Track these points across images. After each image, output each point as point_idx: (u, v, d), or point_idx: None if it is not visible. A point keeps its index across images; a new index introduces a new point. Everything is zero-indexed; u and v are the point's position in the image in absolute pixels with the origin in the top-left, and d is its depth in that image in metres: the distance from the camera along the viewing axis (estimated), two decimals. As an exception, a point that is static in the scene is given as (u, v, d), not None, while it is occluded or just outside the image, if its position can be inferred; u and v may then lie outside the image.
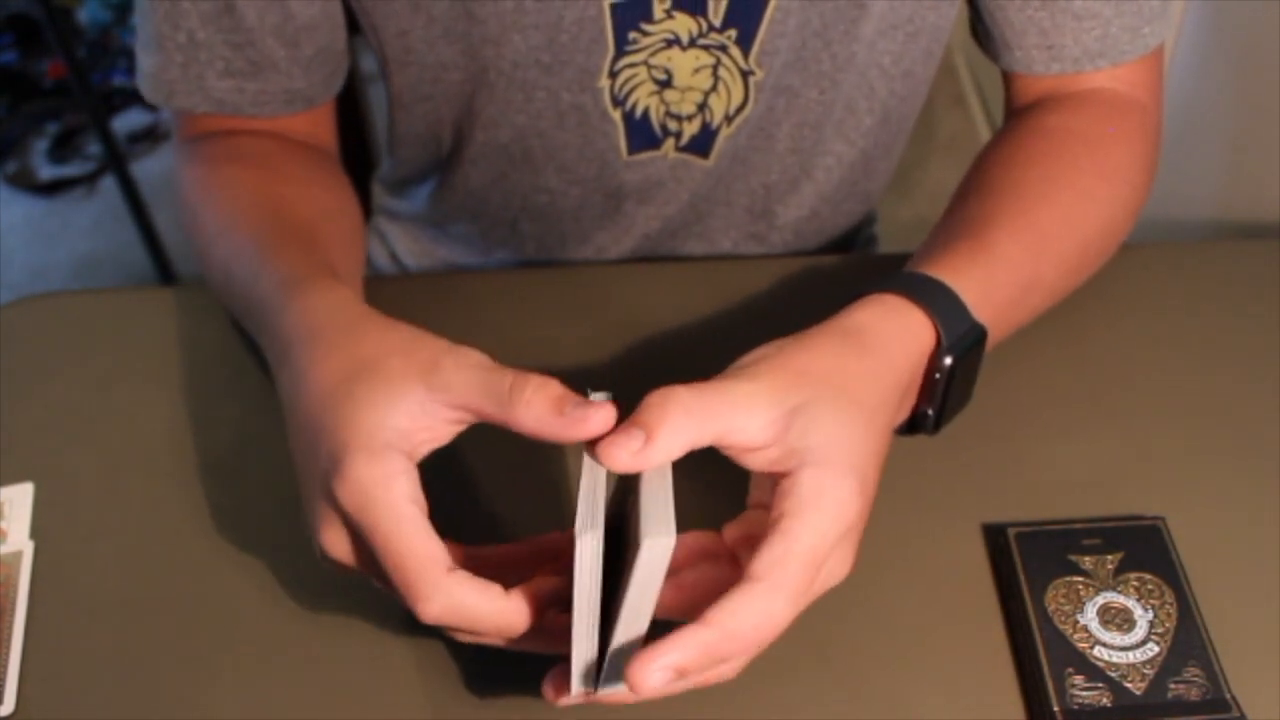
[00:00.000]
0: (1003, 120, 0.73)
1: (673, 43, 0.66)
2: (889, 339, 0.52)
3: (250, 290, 0.58)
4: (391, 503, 0.44)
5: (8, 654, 0.55)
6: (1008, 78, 0.72)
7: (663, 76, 0.68)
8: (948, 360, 0.53)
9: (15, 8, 2.34)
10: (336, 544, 0.47)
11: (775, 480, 0.46)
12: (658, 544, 0.41)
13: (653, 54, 0.67)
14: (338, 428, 0.46)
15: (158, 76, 0.67)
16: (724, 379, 0.47)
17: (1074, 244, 0.63)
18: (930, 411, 0.55)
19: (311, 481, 0.48)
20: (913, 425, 0.56)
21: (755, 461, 0.46)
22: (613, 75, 0.68)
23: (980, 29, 0.70)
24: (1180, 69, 1.17)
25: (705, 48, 0.67)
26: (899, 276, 0.55)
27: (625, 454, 0.43)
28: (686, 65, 0.68)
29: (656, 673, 0.41)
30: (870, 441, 0.47)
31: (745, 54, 0.67)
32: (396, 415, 0.46)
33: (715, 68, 0.68)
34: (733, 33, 0.66)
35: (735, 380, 0.47)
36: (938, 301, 0.54)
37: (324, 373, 0.49)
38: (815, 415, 0.46)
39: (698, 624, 0.42)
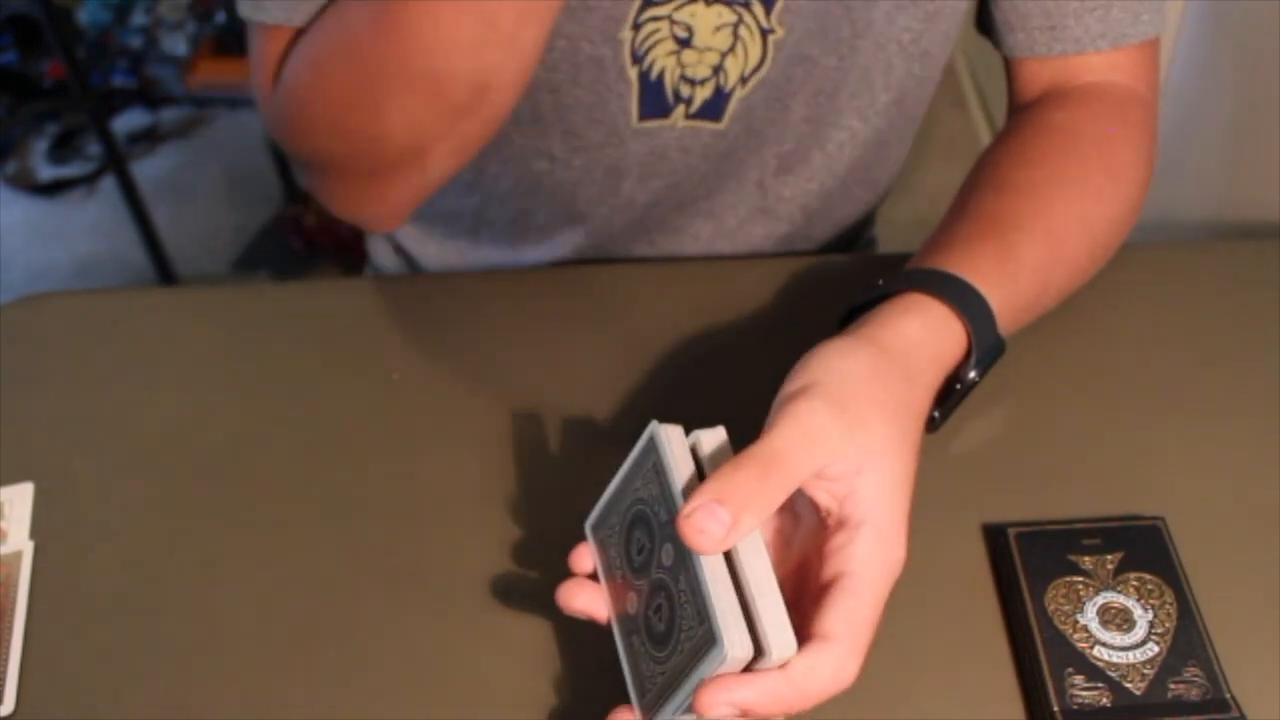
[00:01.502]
0: (1006, 116, 0.73)
1: None
2: (932, 357, 0.53)
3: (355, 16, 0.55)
4: None
5: (8, 654, 0.55)
6: (1011, 69, 0.72)
7: (684, 34, 0.68)
8: (972, 375, 0.55)
9: (15, 8, 2.33)
10: None
11: (826, 516, 0.47)
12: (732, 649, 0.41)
13: (677, 8, 0.67)
14: None
15: None
16: (806, 416, 0.46)
17: (1084, 245, 0.63)
18: (936, 414, 0.56)
19: None
20: None
21: (819, 492, 0.46)
22: (636, 27, 0.67)
23: (984, 15, 0.71)
24: (1180, 69, 1.17)
25: (728, 3, 0.67)
26: (935, 276, 0.56)
27: (708, 539, 0.42)
28: (708, 22, 0.68)
29: (723, 705, 0.41)
30: (912, 485, 0.49)
31: (768, 11, 0.67)
32: None
33: (736, 26, 0.68)
34: None
35: (821, 419, 0.46)
36: (975, 315, 0.55)
37: None
38: (885, 468, 0.47)
39: (777, 672, 0.42)
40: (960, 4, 0.71)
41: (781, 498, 0.44)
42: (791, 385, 0.48)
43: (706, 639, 0.42)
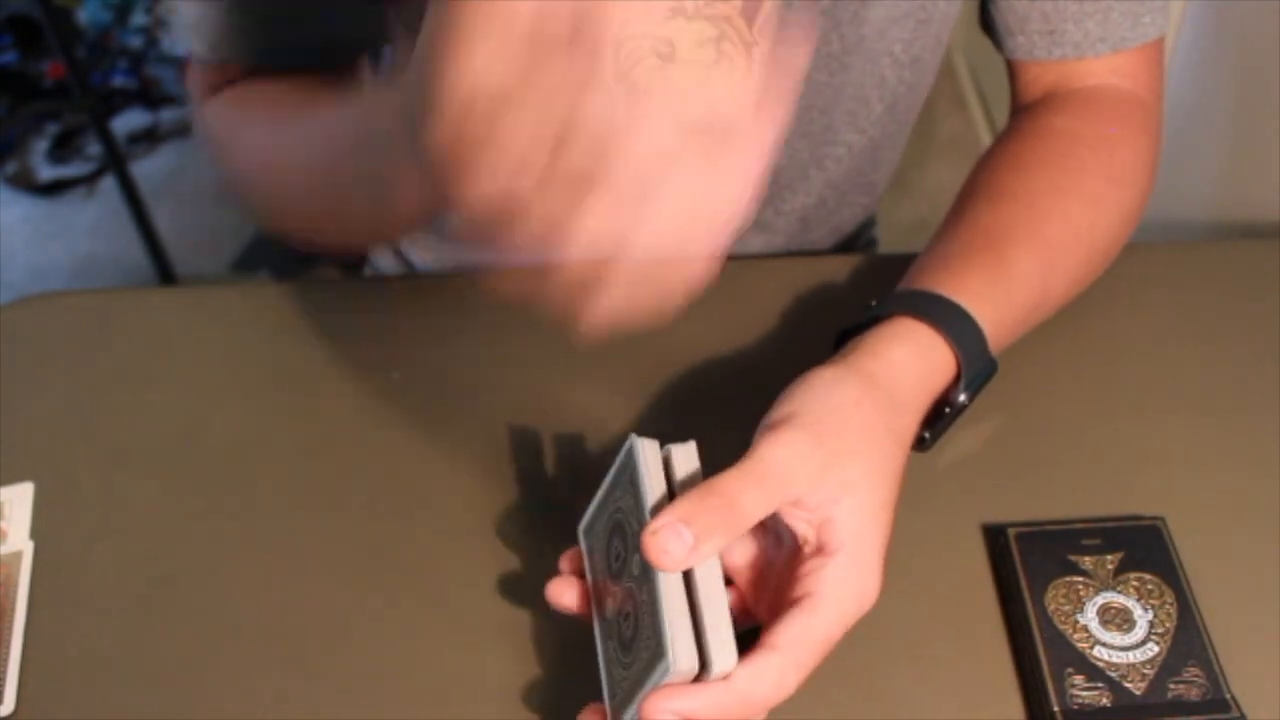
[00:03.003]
0: (1008, 118, 0.73)
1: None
2: (919, 385, 0.53)
3: (315, 112, 0.56)
4: None
5: (8, 654, 0.55)
6: (1012, 70, 0.72)
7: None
8: (962, 398, 0.55)
9: (15, 8, 2.33)
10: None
11: (803, 544, 0.47)
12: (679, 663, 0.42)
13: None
14: None
15: (199, 26, 0.66)
16: (786, 444, 0.47)
17: (1082, 254, 0.63)
18: (926, 435, 0.56)
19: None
20: None
21: (795, 517, 0.47)
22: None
23: (985, 17, 0.71)
24: (1180, 69, 1.17)
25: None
26: (924, 299, 0.56)
27: (670, 558, 0.43)
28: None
29: (667, 713, 0.42)
30: (891, 508, 0.49)
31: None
32: None
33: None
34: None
35: (801, 449, 0.47)
36: (964, 339, 0.55)
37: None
38: (863, 499, 0.47)
39: (719, 683, 0.43)
40: (951, 8, 0.71)
41: (747, 525, 0.45)
42: (775, 414, 0.49)
43: (658, 651, 0.43)
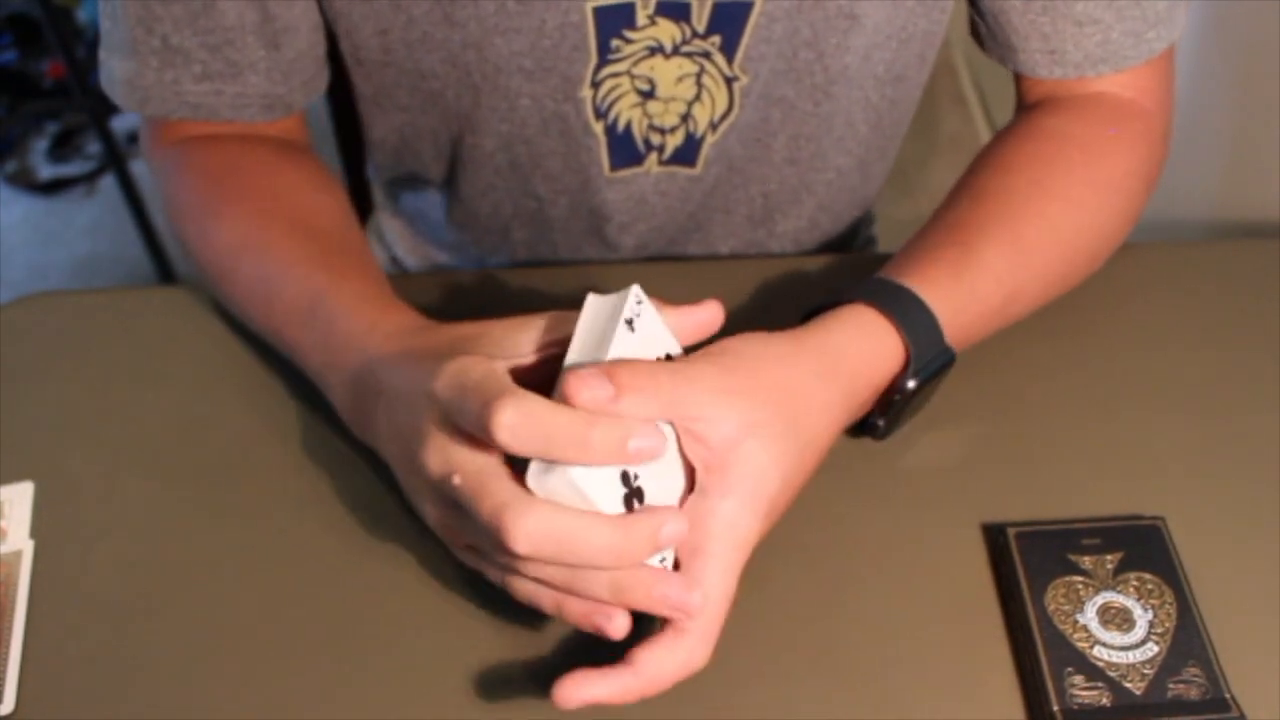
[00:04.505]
0: (1013, 116, 0.73)
1: (656, 50, 0.66)
2: (859, 364, 0.53)
3: (305, 304, 0.59)
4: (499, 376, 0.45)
5: (8, 654, 0.55)
6: (1015, 74, 0.72)
7: (646, 87, 0.67)
8: (910, 384, 0.55)
9: (15, 8, 2.33)
10: (437, 456, 0.47)
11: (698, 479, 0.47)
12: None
13: (635, 63, 0.66)
14: (451, 347, 0.49)
15: (132, 83, 0.67)
16: (701, 364, 0.48)
17: (1058, 256, 0.63)
18: (880, 423, 0.56)
19: (416, 418, 0.48)
20: (861, 427, 0.58)
21: (693, 452, 0.47)
22: (595, 85, 0.67)
23: (982, 31, 0.70)
24: (1180, 69, 1.17)
25: (689, 55, 0.66)
26: (881, 286, 0.56)
27: (590, 394, 0.44)
28: (669, 74, 0.67)
29: (575, 702, 0.44)
30: (794, 473, 0.49)
31: (729, 60, 0.67)
32: (513, 344, 0.49)
33: (699, 76, 0.67)
34: (716, 39, 0.66)
35: (711, 370, 0.48)
36: (914, 323, 0.55)
37: (428, 342, 0.51)
38: (763, 444, 0.47)
39: (625, 668, 0.44)
40: (935, 27, 0.70)
41: (661, 407, 0.45)
42: (698, 351, 0.50)
43: None
